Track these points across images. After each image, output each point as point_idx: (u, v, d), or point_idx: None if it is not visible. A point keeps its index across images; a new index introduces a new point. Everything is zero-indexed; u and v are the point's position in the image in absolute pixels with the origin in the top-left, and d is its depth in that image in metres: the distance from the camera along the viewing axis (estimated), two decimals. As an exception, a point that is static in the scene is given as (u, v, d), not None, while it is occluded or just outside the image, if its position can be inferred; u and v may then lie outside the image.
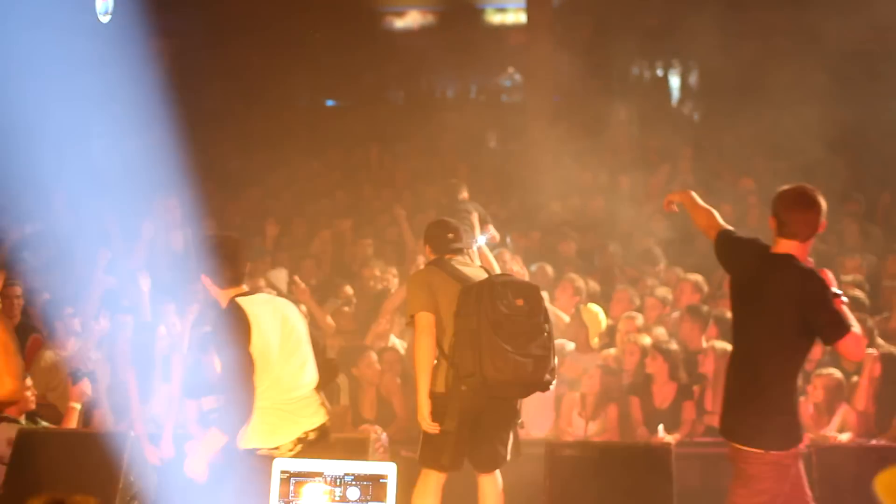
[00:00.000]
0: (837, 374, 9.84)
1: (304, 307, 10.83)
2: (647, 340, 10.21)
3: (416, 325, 7.75)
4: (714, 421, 9.78)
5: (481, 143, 18.22)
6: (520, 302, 7.58)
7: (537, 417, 10.15)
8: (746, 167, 15.36)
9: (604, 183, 15.28)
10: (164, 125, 18.95)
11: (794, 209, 6.61)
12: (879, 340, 10.41)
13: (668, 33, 21.54)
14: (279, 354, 7.04)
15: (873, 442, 9.47)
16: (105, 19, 19.94)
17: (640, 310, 11.13)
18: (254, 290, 7.36)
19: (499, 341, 7.45)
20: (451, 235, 8.07)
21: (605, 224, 13.93)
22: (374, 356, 10.31)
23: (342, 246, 13.12)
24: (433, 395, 7.69)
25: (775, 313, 6.56)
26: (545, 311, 7.73)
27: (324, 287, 11.95)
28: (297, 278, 11.26)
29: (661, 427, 9.75)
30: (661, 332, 10.61)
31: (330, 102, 22.16)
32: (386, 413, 10.20)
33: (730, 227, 7.08)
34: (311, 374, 7.20)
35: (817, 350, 10.14)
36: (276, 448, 6.98)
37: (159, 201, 12.37)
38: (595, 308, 10.86)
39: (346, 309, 11.38)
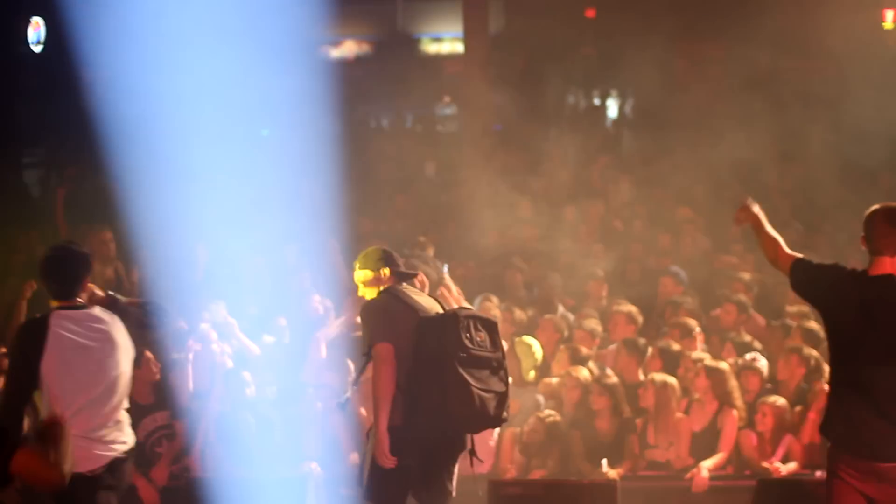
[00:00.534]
0: (782, 401, 9.77)
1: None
2: (584, 374, 10.06)
3: (377, 357, 7.55)
4: (656, 456, 9.73)
5: (418, 173, 18.04)
6: (481, 336, 7.48)
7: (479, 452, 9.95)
8: (687, 196, 15.28)
9: (543, 213, 15.13)
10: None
11: (883, 226, 6.60)
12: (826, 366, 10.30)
13: (605, 63, 21.63)
14: (81, 376, 6.86)
15: (818, 474, 9.37)
16: (38, 49, 19.75)
17: (568, 339, 10.97)
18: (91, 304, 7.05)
19: (464, 375, 7.34)
20: (401, 261, 7.98)
21: (545, 255, 13.78)
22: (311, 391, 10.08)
23: (280, 276, 12.87)
24: (390, 429, 7.48)
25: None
26: (502, 346, 7.65)
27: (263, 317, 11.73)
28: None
29: (604, 462, 9.62)
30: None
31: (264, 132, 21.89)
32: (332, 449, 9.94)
33: (802, 255, 6.96)
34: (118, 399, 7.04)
35: (754, 381, 10.09)
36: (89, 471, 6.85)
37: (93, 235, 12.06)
38: (529, 340, 10.68)
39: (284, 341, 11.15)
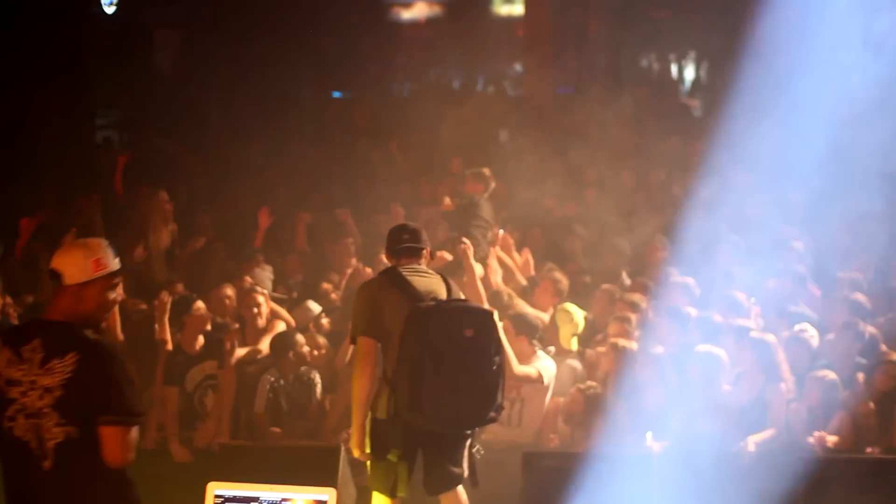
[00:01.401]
0: (833, 375, 9.59)
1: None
2: (633, 345, 9.93)
3: (357, 351, 7.33)
4: (702, 426, 9.58)
5: (489, 137, 17.92)
6: (469, 332, 7.09)
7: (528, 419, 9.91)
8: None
9: (603, 180, 14.98)
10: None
11: None
12: (883, 347, 10.12)
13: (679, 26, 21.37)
14: None
15: (868, 450, 9.22)
16: (110, 10, 19.92)
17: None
18: None
19: (439, 377, 7.02)
20: (406, 236, 7.57)
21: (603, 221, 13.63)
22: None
23: (326, 242, 12.84)
24: (376, 422, 7.29)
25: None
26: (497, 341, 7.26)
27: (308, 284, 11.72)
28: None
29: (649, 434, 9.49)
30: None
31: (336, 94, 21.95)
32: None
33: None
34: None
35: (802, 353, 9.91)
36: None
37: (147, 195, 12.12)
38: (571, 308, 10.55)
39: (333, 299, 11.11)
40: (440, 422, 7.14)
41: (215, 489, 5.44)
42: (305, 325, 10.74)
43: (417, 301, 7.19)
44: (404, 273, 7.40)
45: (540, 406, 9.87)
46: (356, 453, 7.35)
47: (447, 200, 12.80)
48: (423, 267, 7.53)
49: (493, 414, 7.22)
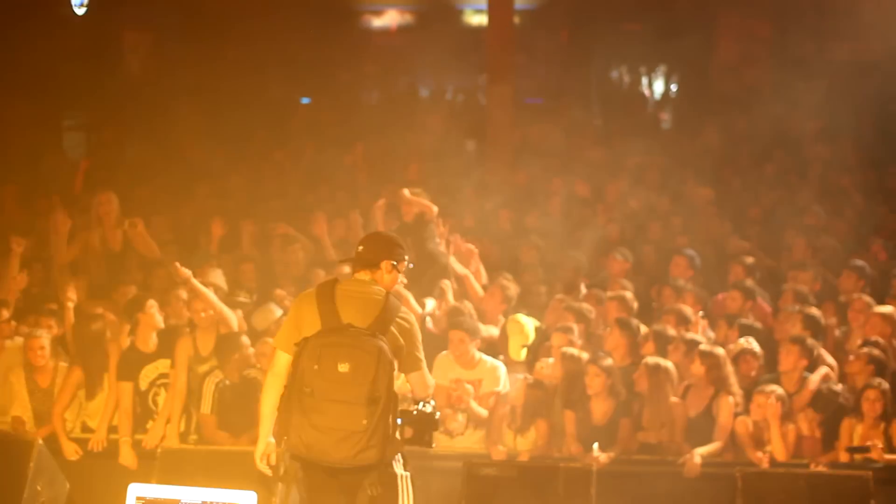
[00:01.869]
0: (780, 390, 9.61)
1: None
2: (584, 355, 9.93)
3: (272, 360, 7.15)
4: (649, 438, 9.62)
5: (455, 147, 17.92)
6: (343, 367, 6.72)
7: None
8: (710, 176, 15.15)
9: (569, 191, 15.02)
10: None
11: None
12: (829, 359, 10.18)
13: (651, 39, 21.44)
14: None
15: (812, 466, 9.25)
16: (80, 11, 19.85)
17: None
18: None
19: (304, 411, 6.75)
20: (360, 247, 7.24)
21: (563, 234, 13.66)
22: None
23: (273, 249, 12.82)
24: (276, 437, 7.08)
25: None
26: (383, 375, 6.76)
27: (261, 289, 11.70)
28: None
29: (595, 445, 9.50)
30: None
31: (304, 100, 21.93)
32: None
33: None
34: None
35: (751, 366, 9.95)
36: None
37: (97, 197, 12.09)
38: (522, 319, 10.57)
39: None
40: (305, 456, 6.81)
41: (136, 490, 5.40)
42: (267, 327, 10.73)
43: (329, 324, 6.89)
44: (339, 289, 7.07)
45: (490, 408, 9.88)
46: (258, 465, 7.11)
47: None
48: (370, 283, 7.12)
49: (371, 454, 6.76)
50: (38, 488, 8.60)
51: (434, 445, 7.07)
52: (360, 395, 6.70)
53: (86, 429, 10.25)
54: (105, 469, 9.73)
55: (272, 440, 7.04)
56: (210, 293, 10.37)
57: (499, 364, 10.04)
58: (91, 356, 10.25)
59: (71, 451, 9.91)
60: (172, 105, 19.61)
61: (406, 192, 12.20)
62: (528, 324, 10.50)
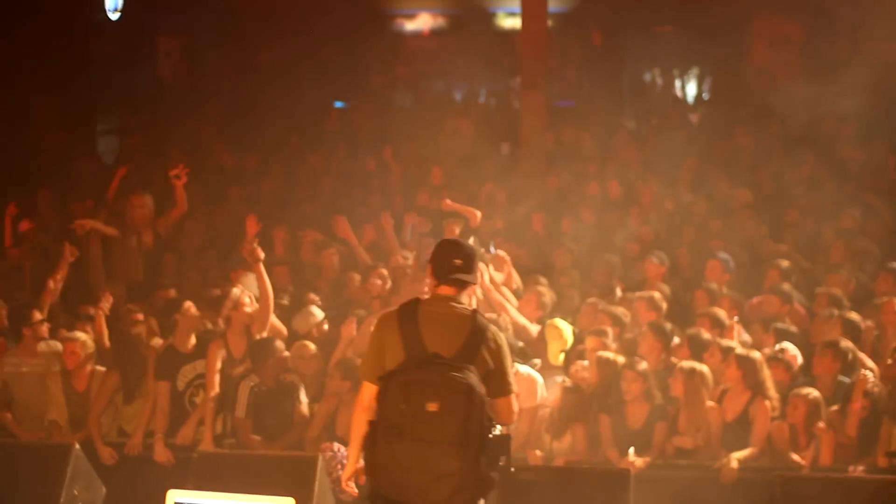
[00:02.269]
0: (816, 393, 9.56)
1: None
2: (619, 359, 9.90)
3: (360, 393, 6.66)
4: (685, 443, 9.58)
5: (489, 149, 17.90)
6: (433, 406, 6.23)
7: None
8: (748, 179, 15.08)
9: (603, 194, 14.99)
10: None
11: None
12: (870, 363, 10.10)
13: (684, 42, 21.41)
14: None
15: (850, 468, 9.18)
16: (115, 16, 19.94)
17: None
18: None
19: (391, 452, 6.31)
20: (457, 262, 6.56)
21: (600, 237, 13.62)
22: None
23: (304, 252, 12.83)
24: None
25: None
26: (474, 414, 6.27)
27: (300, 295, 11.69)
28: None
29: (631, 450, 9.47)
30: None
31: (338, 104, 21.95)
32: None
33: None
34: None
35: (781, 372, 9.89)
36: None
37: (131, 199, 12.16)
38: (560, 324, 10.54)
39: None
40: (391, 496, 6.39)
41: (175, 496, 5.42)
42: (308, 330, 10.75)
43: (414, 354, 6.39)
44: (422, 311, 6.53)
45: (527, 420, 9.84)
46: (343, 485, 6.83)
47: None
48: (457, 303, 6.58)
49: (470, 494, 6.35)
50: (75, 492, 8.63)
51: (512, 469, 6.60)
52: (451, 434, 6.24)
53: (122, 433, 10.30)
54: (141, 473, 9.78)
55: (362, 462, 6.60)
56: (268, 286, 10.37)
57: (535, 376, 9.97)
58: (129, 361, 10.31)
59: (107, 456, 9.96)
60: (205, 109, 19.71)
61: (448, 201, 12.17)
62: (567, 328, 10.48)
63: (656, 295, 11.05)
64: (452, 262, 6.54)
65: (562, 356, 10.38)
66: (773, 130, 17.59)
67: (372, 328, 6.77)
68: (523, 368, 9.90)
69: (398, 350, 6.43)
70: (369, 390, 6.52)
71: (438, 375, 6.29)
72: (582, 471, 8.79)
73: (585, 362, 10.09)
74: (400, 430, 6.25)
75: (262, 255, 10.22)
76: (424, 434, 6.23)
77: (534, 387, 9.92)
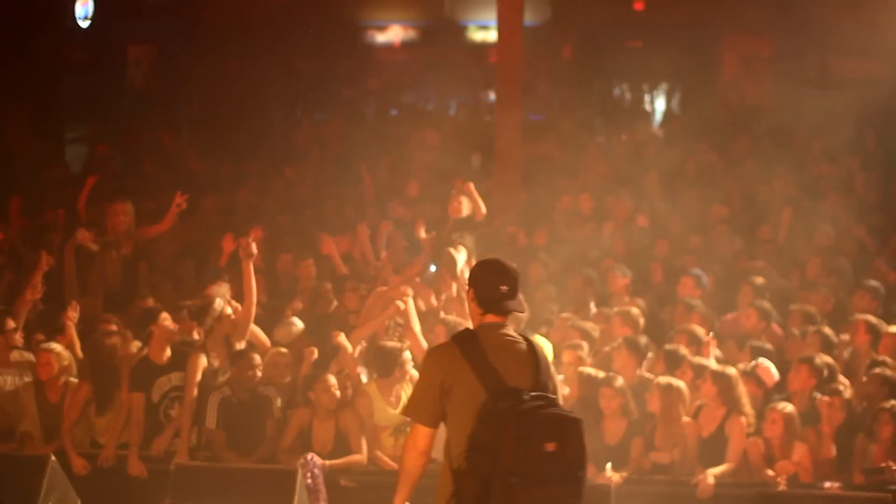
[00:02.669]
0: (791, 408, 9.58)
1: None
2: (600, 375, 9.90)
3: (410, 434, 6.26)
4: (661, 458, 9.59)
5: (463, 162, 17.93)
6: (551, 447, 5.89)
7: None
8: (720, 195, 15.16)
9: (576, 208, 15.03)
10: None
11: None
12: (841, 378, 10.14)
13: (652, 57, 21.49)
14: None
15: (826, 485, 9.20)
16: (85, 24, 19.88)
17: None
18: None
19: (510, 500, 5.88)
20: (504, 287, 6.17)
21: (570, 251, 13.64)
22: (332, 380, 9.93)
23: (279, 263, 12.77)
24: None
25: None
26: (583, 451, 6.03)
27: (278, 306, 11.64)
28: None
29: (608, 465, 9.46)
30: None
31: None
32: (341, 449, 9.78)
33: None
34: None
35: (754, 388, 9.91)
36: None
37: (111, 206, 12.08)
38: (540, 341, 10.49)
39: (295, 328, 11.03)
40: None
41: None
42: (289, 341, 10.68)
43: (495, 390, 6.00)
44: (484, 342, 6.13)
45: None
46: None
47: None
48: (511, 330, 6.24)
49: None
50: (49, 504, 8.57)
51: None
52: (570, 473, 5.98)
53: (94, 444, 10.20)
54: (115, 485, 9.69)
55: None
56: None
57: None
58: (101, 372, 10.20)
59: (80, 466, 9.86)
60: (175, 119, 19.68)
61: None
62: (547, 345, 10.41)
63: (633, 310, 11.05)
64: (499, 289, 6.16)
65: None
66: (742, 146, 17.72)
67: (427, 366, 6.26)
68: None
69: (471, 388, 6.02)
70: (426, 434, 6.14)
71: (550, 414, 5.97)
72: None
73: (560, 377, 10.07)
74: (522, 476, 5.83)
75: (255, 251, 10.13)
76: (546, 476, 5.89)
77: None
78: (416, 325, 10.17)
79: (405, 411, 6.39)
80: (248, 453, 9.79)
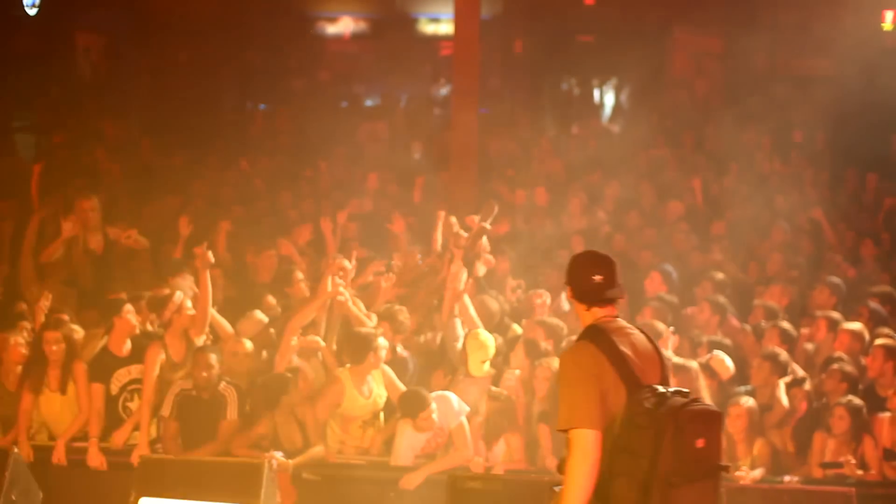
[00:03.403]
0: (752, 402, 9.65)
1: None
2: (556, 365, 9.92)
3: (577, 444, 5.74)
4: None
5: (404, 155, 17.92)
6: (700, 443, 5.68)
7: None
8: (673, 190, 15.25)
9: (527, 202, 15.05)
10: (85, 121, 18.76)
11: None
12: (800, 373, 10.23)
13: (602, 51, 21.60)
14: None
15: (787, 479, 9.29)
16: (33, 11, 19.67)
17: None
18: None
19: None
20: (597, 278, 5.97)
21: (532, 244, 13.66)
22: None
23: (247, 254, 12.71)
24: None
25: None
26: (721, 443, 5.92)
27: (238, 299, 11.57)
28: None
29: (570, 458, 9.47)
30: None
31: (261, 106, 21.85)
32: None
33: None
34: None
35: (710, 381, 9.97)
36: None
37: (78, 201, 11.98)
38: (483, 335, 10.40)
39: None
40: None
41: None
42: (253, 335, 10.62)
43: (636, 387, 5.78)
44: (613, 338, 5.89)
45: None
46: None
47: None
48: (624, 321, 6.05)
49: None
50: (13, 498, 8.51)
51: None
52: (715, 467, 5.81)
53: (53, 437, 10.09)
54: (76, 477, 9.63)
55: None
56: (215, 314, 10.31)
57: (447, 395, 9.80)
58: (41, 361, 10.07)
59: (30, 454, 9.73)
60: (125, 109, 19.50)
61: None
62: (489, 339, 10.37)
63: None
64: (592, 280, 5.94)
65: (485, 366, 10.27)
66: (689, 141, 17.84)
67: (574, 370, 5.86)
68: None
69: (616, 386, 5.76)
70: (597, 440, 5.68)
71: (699, 410, 5.73)
72: (529, 480, 8.80)
73: (517, 371, 10.11)
74: (681, 475, 5.62)
75: (212, 260, 10.10)
76: (697, 473, 5.69)
77: (448, 405, 9.76)
78: (353, 306, 10.27)
79: (571, 423, 5.76)
80: (193, 448, 9.71)
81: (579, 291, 5.98)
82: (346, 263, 10.85)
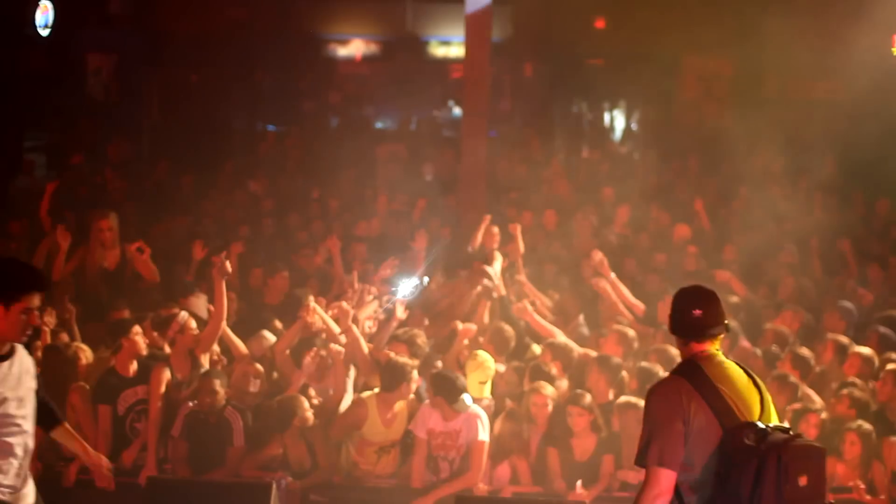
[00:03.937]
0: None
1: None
2: (554, 392, 9.90)
3: (648, 481, 5.81)
4: (628, 476, 9.60)
5: (417, 176, 17.95)
6: (804, 480, 5.59)
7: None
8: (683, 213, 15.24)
9: (536, 225, 15.04)
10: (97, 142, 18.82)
11: None
12: (816, 398, 10.18)
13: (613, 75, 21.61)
14: None
15: None
16: (45, 32, 19.76)
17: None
18: None
19: None
20: (697, 313, 5.92)
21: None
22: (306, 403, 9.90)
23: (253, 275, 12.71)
24: None
25: None
26: (825, 481, 5.78)
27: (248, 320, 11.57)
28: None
29: (579, 483, 9.48)
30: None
31: (270, 127, 21.90)
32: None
33: None
34: None
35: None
36: None
37: (95, 220, 12.01)
38: (482, 355, 10.38)
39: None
40: None
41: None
42: (261, 354, 10.62)
43: (732, 425, 5.70)
44: (709, 373, 5.84)
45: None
46: None
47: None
48: (722, 356, 5.99)
49: None
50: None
51: None
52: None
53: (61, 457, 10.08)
54: (84, 498, 9.59)
55: None
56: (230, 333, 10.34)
57: (479, 412, 9.77)
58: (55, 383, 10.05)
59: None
60: (135, 129, 19.59)
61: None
62: (489, 360, 10.33)
63: (630, 332, 10.97)
64: (692, 314, 5.92)
65: (486, 387, 10.24)
66: (692, 164, 17.83)
67: (660, 405, 5.84)
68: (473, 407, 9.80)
69: (708, 424, 5.70)
70: (668, 479, 5.71)
71: (801, 446, 5.65)
72: (534, 502, 8.78)
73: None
74: None
75: (229, 270, 10.08)
76: None
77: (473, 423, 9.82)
78: (332, 326, 10.25)
79: (650, 462, 5.80)
80: (203, 472, 9.69)
81: (677, 325, 5.98)
82: (345, 304, 10.69)
